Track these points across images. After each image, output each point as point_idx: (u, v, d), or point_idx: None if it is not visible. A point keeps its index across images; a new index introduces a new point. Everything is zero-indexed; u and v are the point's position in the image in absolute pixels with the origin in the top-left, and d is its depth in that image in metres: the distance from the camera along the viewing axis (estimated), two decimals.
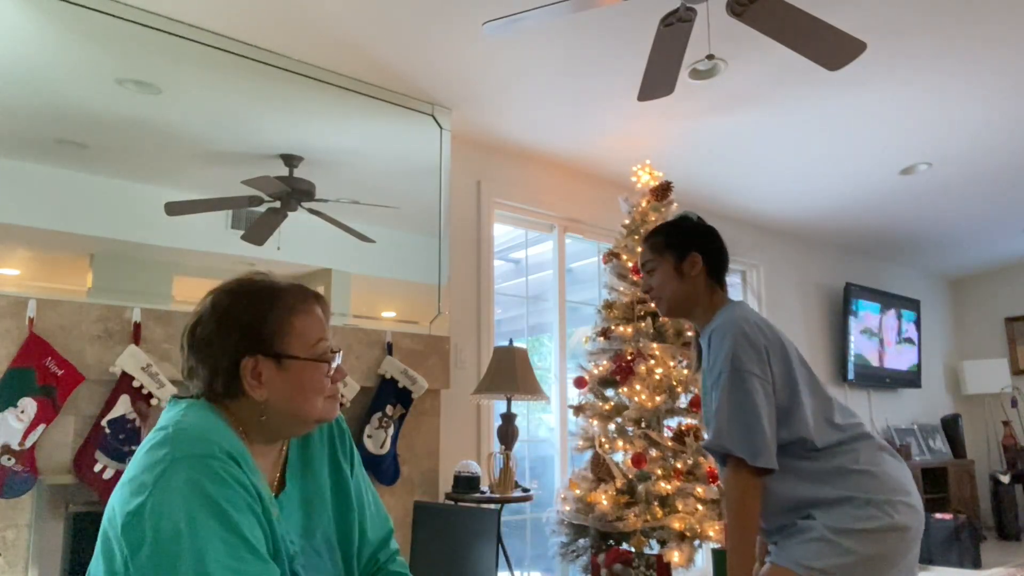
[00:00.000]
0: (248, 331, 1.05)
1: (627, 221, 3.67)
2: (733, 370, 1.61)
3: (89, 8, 2.58)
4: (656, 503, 3.08)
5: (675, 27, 2.32)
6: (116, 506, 0.96)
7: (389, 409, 3.04)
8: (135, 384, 2.41)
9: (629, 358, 3.34)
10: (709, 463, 3.14)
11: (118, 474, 2.32)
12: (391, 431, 3.03)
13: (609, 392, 3.48)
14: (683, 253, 1.78)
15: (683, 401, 3.33)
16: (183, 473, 0.93)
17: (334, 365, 1.12)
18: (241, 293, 1.08)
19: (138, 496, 0.93)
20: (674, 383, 3.29)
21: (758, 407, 1.56)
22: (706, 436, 1.69)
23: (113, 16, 2.63)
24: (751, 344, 1.61)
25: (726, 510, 1.58)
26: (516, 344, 3.23)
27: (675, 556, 2.94)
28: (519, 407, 3.62)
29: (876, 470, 1.58)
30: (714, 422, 1.62)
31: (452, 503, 3.04)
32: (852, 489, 1.55)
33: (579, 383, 3.53)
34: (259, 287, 1.09)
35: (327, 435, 1.23)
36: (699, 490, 3.06)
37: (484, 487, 3.17)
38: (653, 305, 2.12)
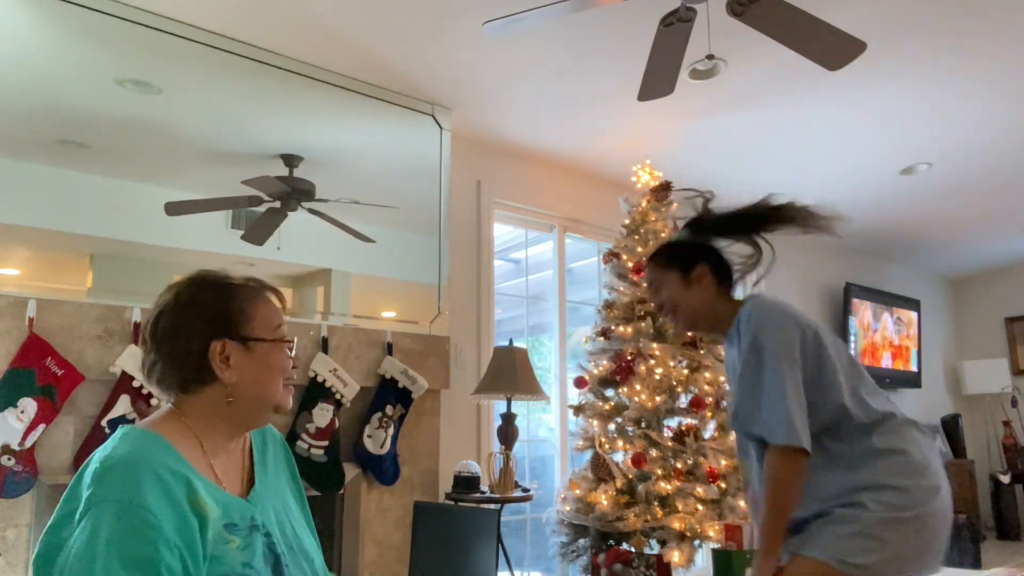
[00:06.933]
0: (215, 316, 1.11)
1: (627, 221, 3.66)
2: (755, 352, 1.60)
3: (89, 8, 2.58)
4: (656, 503, 3.08)
5: (675, 27, 2.33)
6: (41, 539, 0.96)
7: (389, 409, 3.04)
8: (135, 384, 2.41)
9: (629, 358, 3.34)
10: (708, 463, 3.14)
11: None
12: (391, 431, 3.03)
13: (609, 392, 3.48)
14: (689, 265, 1.79)
15: (683, 401, 3.33)
16: (104, 527, 0.91)
17: (293, 351, 1.18)
18: (204, 284, 1.14)
19: (54, 536, 0.94)
20: (674, 383, 3.29)
21: (784, 387, 1.54)
22: (735, 421, 1.67)
23: (113, 16, 2.63)
24: (776, 326, 1.61)
25: (767, 492, 1.54)
26: (516, 344, 3.23)
27: (675, 556, 2.94)
28: (519, 407, 3.62)
29: (911, 449, 1.57)
30: (742, 406, 1.61)
31: (452, 503, 3.05)
32: (890, 474, 1.54)
33: (579, 383, 3.53)
34: (220, 278, 1.15)
35: (282, 451, 1.29)
36: (699, 490, 3.06)
37: (484, 487, 3.17)
38: (668, 325, 2.08)
